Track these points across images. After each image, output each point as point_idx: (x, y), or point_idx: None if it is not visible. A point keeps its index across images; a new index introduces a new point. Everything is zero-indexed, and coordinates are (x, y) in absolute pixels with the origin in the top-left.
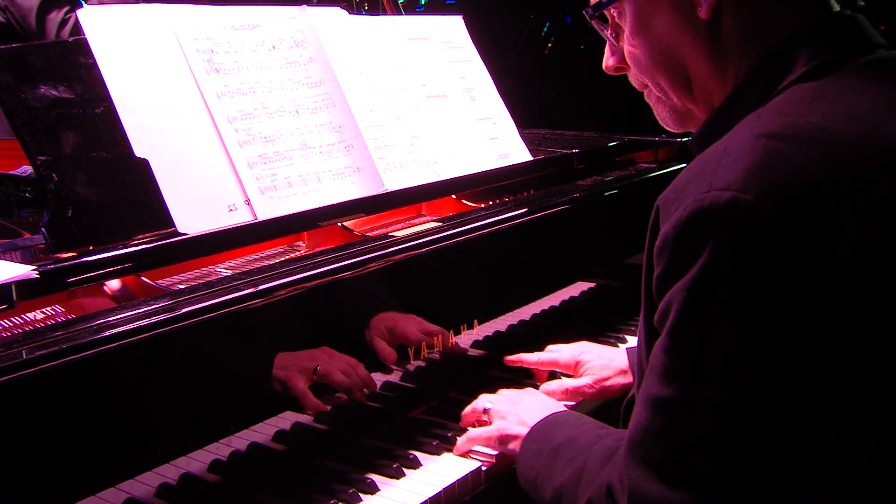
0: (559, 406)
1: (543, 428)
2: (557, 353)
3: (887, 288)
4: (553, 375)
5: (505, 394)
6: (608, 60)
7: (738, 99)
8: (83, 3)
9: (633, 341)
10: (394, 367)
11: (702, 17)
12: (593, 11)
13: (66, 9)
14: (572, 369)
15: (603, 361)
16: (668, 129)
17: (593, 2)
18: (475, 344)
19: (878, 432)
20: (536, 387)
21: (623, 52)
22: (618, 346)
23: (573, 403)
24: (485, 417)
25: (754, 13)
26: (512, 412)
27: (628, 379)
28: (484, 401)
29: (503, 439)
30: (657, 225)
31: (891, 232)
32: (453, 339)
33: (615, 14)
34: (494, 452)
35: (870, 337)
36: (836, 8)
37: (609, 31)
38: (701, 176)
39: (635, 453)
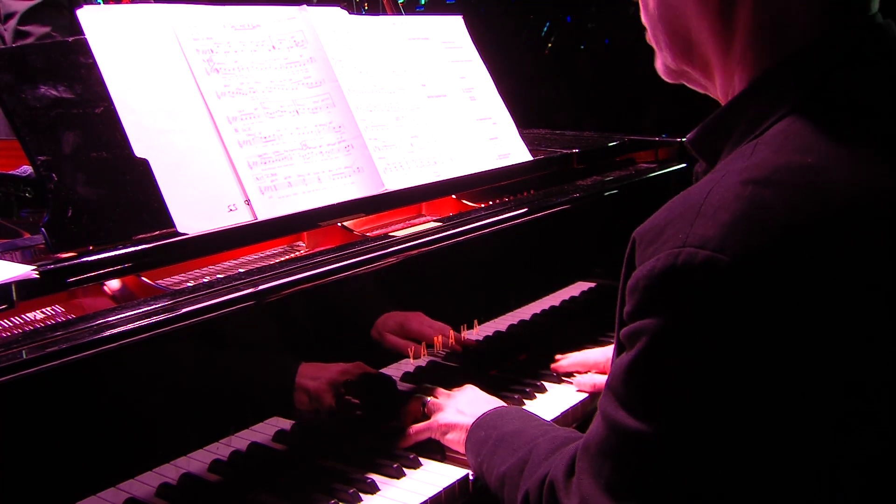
0: (497, 400)
1: (493, 416)
2: (589, 352)
3: (871, 353)
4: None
5: (442, 391)
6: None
7: (741, 108)
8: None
9: None
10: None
11: None
12: None
13: (45, 30)
14: (602, 368)
15: None
16: (660, 76)
17: None
18: (475, 344)
19: (838, 493)
20: (541, 388)
21: None
22: None
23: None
24: (423, 411)
25: (774, 3)
26: (450, 405)
27: None
28: (422, 398)
29: (443, 429)
30: (632, 259)
31: (887, 290)
32: (453, 339)
33: None
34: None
35: (847, 405)
36: (874, 9)
37: None
38: (681, 220)
39: (589, 463)
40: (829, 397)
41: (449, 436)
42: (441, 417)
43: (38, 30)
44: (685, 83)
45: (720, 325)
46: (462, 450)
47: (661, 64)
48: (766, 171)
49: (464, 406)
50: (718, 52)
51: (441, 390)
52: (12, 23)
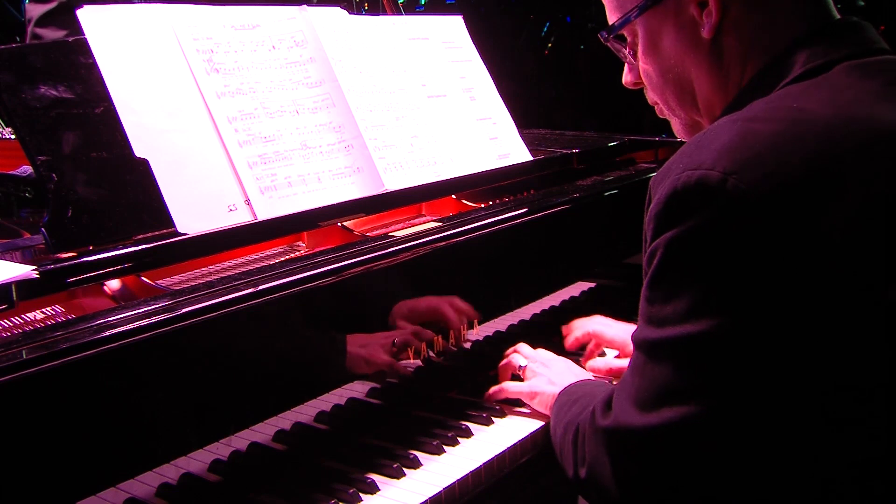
0: (584, 373)
1: (576, 385)
2: (606, 326)
3: (855, 252)
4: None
5: (541, 354)
6: (626, 77)
7: (737, 105)
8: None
9: None
10: (395, 367)
11: (705, 37)
12: (608, 34)
13: (61, 34)
14: (618, 346)
15: None
16: (682, 139)
17: (615, 20)
18: (475, 344)
19: (839, 386)
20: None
21: (639, 69)
22: None
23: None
24: (519, 373)
25: (754, 30)
26: (545, 373)
27: None
28: (520, 358)
29: (532, 395)
30: (649, 204)
31: (866, 204)
32: (453, 339)
33: (631, 34)
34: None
35: (834, 297)
36: (837, 16)
37: (627, 50)
38: (682, 157)
39: (622, 388)
40: (818, 308)
41: (535, 400)
42: (534, 384)
43: (52, 34)
44: None
45: (712, 231)
46: (548, 412)
47: (679, 125)
48: (755, 112)
49: (555, 377)
50: (718, 89)
51: (528, 352)
52: (29, 27)
